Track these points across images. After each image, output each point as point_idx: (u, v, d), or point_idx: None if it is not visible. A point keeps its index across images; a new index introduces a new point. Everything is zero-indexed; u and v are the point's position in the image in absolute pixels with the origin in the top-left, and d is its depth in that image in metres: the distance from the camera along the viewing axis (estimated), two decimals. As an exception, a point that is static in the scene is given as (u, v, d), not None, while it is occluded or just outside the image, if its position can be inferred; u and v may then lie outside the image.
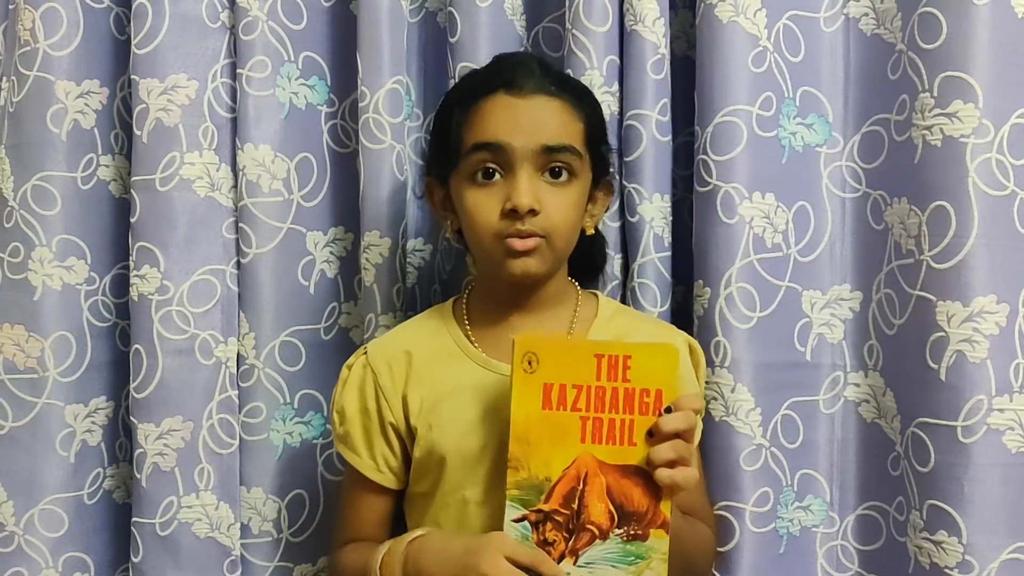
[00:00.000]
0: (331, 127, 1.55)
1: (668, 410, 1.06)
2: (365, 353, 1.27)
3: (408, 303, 1.50)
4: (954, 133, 1.25)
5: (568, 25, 1.41)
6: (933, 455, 1.27)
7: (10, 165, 1.49)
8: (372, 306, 1.46)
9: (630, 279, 1.42)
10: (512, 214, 1.14)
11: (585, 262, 1.35)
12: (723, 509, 1.35)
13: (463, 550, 1.07)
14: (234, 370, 1.49)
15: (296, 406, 1.51)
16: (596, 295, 1.32)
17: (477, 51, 1.45)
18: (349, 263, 1.55)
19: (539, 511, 1.06)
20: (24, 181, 1.48)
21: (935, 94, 1.26)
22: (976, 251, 1.24)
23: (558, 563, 1.05)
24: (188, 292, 1.47)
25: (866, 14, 1.40)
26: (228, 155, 1.49)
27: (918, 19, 1.29)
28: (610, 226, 1.42)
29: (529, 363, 1.06)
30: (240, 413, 1.49)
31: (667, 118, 1.42)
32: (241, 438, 1.49)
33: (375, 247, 1.45)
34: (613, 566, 1.07)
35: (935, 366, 1.26)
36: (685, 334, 1.32)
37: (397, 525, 1.30)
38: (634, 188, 1.41)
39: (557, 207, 1.16)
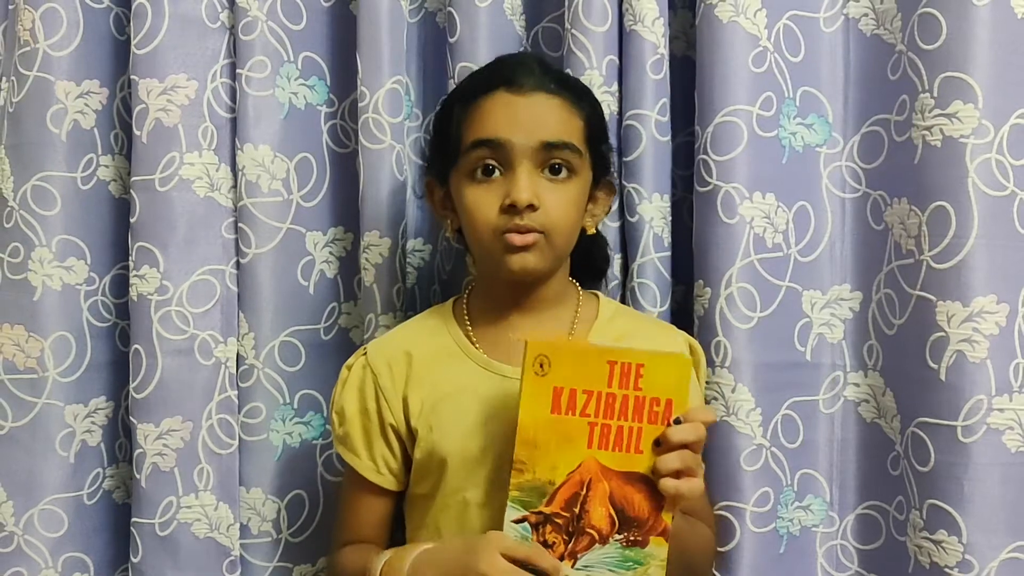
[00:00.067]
0: (331, 127, 1.55)
1: (677, 421, 1.05)
2: (365, 354, 1.27)
3: (408, 303, 1.50)
4: (954, 133, 1.25)
5: (567, 25, 1.41)
6: (933, 455, 1.27)
7: (10, 165, 1.49)
8: (372, 306, 1.45)
9: (630, 279, 1.42)
10: (511, 209, 1.14)
11: (588, 264, 1.35)
12: (723, 509, 1.35)
13: (462, 550, 1.07)
14: (234, 370, 1.49)
15: (296, 406, 1.51)
16: (597, 295, 1.32)
17: (476, 51, 1.45)
18: (349, 263, 1.54)
19: (540, 513, 1.06)
20: (24, 181, 1.48)
21: (935, 94, 1.26)
22: (976, 251, 1.24)
23: None
24: (187, 292, 1.47)
25: (866, 14, 1.40)
26: (228, 155, 1.49)
27: (918, 20, 1.29)
28: (610, 226, 1.42)
29: (541, 366, 1.05)
30: (240, 413, 1.48)
31: (666, 118, 1.42)
32: (240, 438, 1.49)
33: (375, 247, 1.45)
34: (611, 570, 1.07)
35: (935, 366, 1.26)
36: (685, 334, 1.32)
37: (397, 527, 1.30)
38: (633, 188, 1.41)
39: (556, 203, 1.16)
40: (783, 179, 1.38)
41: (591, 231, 1.26)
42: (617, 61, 1.41)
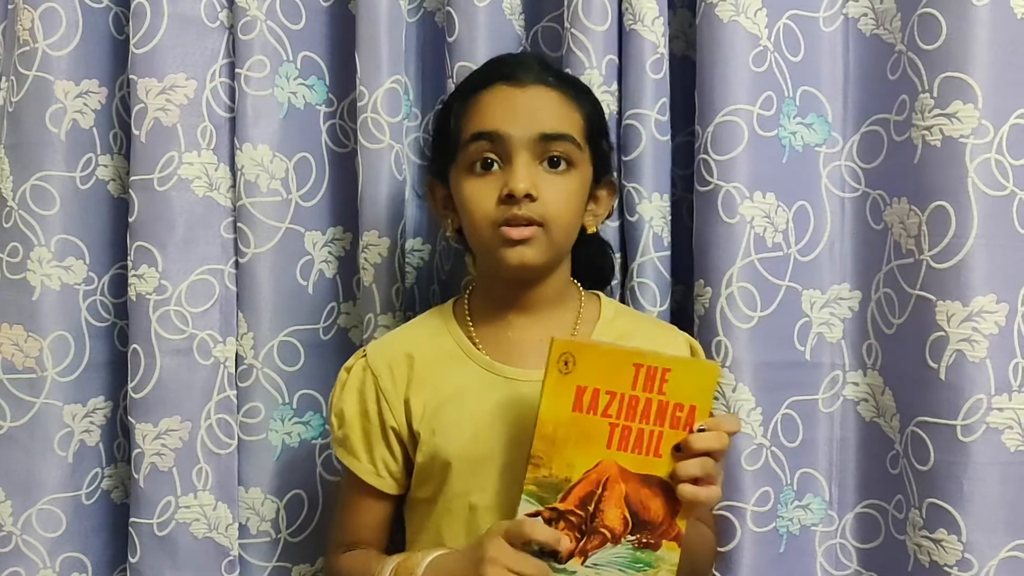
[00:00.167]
0: (329, 127, 1.55)
1: (702, 428, 1.05)
2: (364, 355, 1.26)
3: (407, 303, 1.50)
4: (954, 133, 1.25)
5: (567, 24, 1.41)
6: (933, 454, 1.27)
7: (9, 165, 1.49)
8: (371, 306, 1.45)
9: (629, 278, 1.42)
10: (509, 199, 1.14)
11: (592, 271, 1.35)
12: (724, 509, 1.35)
13: (471, 548, 1.07)
14: (232, 370, 1.49)
15: (295, 406, 1.51)
16: (598, 296, 1.31)
17: (475, 51, 1.45)
18: (348, 263, 1.54)
19: (554, 509, 1.05)
20: (23, 181, 1.48)
21: (935, 94, 1.26)
22: (975, 251, 1.24)
23: (566, 561, 1.05)
24: (186, 292, 1.47)
25: (865, 14, 1.40)
26: (226, 155, 1.49)
27: (918, 20, 1.29)
28: (609, 225, 1.42)
29: (565, 364, 1.05)
30: (238, 413, 1.48)
31: (666, 117, 1.42)
32: (239, 438, 1.48)
33: (374, 247, 1.45)
34: (621, 570, 1.06)
35: (935, 365, 1.27)
36: (686, 334, 1.32)
37: (396, 529, 1.30)
38: (633, 187, 1.41)
39: (555, 195, 1.16)
40: (783, 179, 1.38)
41: (591, 229, 1.26)
42: (617, 60, 1.41)
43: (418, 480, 1.23)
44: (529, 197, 1.13)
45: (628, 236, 1.43)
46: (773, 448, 1.38)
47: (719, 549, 1.35)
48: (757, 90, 1.36)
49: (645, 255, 1.41)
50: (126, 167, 1.51)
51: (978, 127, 1.24)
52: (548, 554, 1.04)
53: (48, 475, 1.50)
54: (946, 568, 1.26)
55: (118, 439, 1.58)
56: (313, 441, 1.53)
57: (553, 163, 1.17)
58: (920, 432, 1.29)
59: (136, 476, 1.46)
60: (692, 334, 1.35)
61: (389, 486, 1.25)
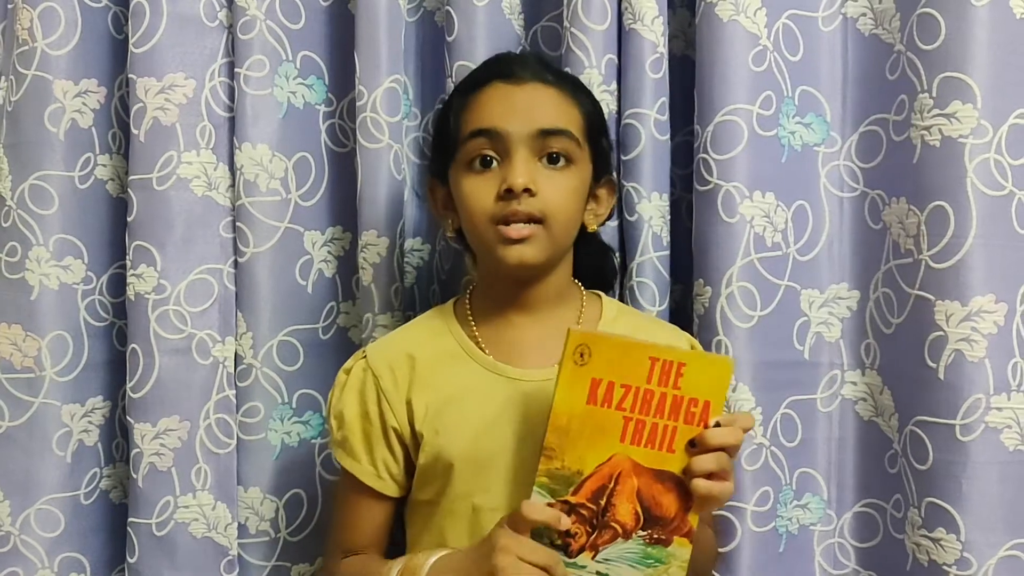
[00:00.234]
0: (329, 126, 1.55)
1: (717, 424, 1.05)
2: (364, 357, 1.25)
3: (407, 303, 1.50)
4: (953, 133, 1.25)
5: (566, 23, 1.41)
6: (932, 453, 1.27)
7: (8, 164, 1.49)
8: (370, 306, 1.45)
9: (628, 278, 1.42)
10: (508, 195, 1.13)
11: (593, 270, 1.34)
12: (724, 509, 1.35)
13: (479, 543, 1.07)
14: (232, 370, 1.48)
15: (294, 406, 1.51)
16: (599, 296, 1.31)
17: (475, 50, 1.44)
18: (347, 262, 1.54)
19: (565, 502, 1.05)
20: (22, 180, 1.48)
21: (934, 95, 1.27)
22: (974, 251, 1.25)
23: (576, 555, 1.05)
24: (185, 291, 1.47)
25: (864, 14, 1.41)
26: (225, 154, 1.49)
27: (917, 20, 1.29)
28: (608, 225, 1.41)
29: (581, 355, 1.04)
30: (238, 413, 1.48)
31: (665, 117, 1.42)
32: (239, 438, 1.48)
33: (372, 247, 1.45)
34: (631, 566, 1.06)
35: (934, 365, 1.27)
36: (688, 335, 1.31)
37: (396, 533, 1.30)
38: (632, 187, 1.41)
39: (554, 190, 1.15)
40: (782, 178, 1.38)
41: (592, 228, 1.26)
42: (616, 60, 1.41)
43: (420, 482, 1.22)
44: (528, 192, 1.13)
45: (627, 236, 1.43)
46: (773, 448, 1.38)
47: (719, 550, 1.35)
48: (757, 89, 1.36)
49: (644, 255, 1.41)
50: (125, 166, 1.51)
51: (977, 127, 1.24)
52: (558, 548, 1.04)
53: (46, 475, 1.49)
54: (945, 567, 1.26)
55: (117, 439, 1.58)
56: (312, 440, 1.52)
57: (552, 159, 1.17)
58: (919, 431, 1.29)
59: (135, 476, 1.46)
60: (691, 334, 1.35)
61: (390, 488, 1.24)
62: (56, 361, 1.49)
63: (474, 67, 1.34)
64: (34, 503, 1.49)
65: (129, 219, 1.47)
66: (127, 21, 1.47)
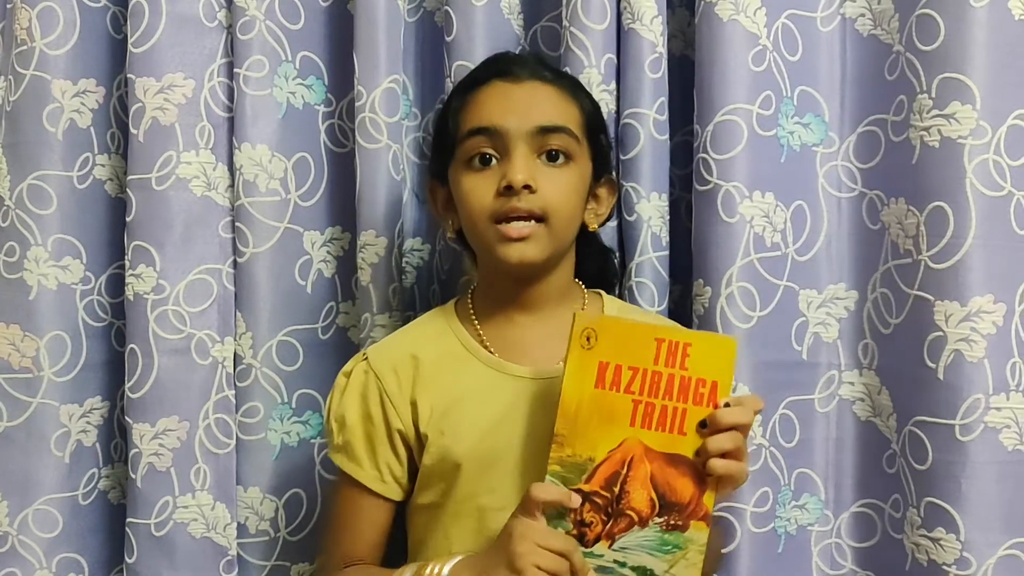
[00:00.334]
0: (328, 127, 1.55)
1: (727, 404, 1.05)
2: (365, 359, 1.24)
3: (406, 303, 1.50)
4: (952, 134, 1.26)
5: (566, 23, 1.41)
6: (931, 453, 1.28)
7: (6, 164, 1.49)
8: (368, 306, 1.45)
9: (627, 278, 1.42)
10: (507, 191, 1.13)
11: (593, 270, 1.34)
12: (724, 510, 1.35)
13: (495, 542, 1.06)
14: (231, 370, 1.48)
15: (294, 406, 1.50)
16: (600, 294, 1.31)
17: (474, 50, 1.44)
18: (346, 262, 1.54)
19: (579, 491, 1.04)
20: (20, 180, 1.48)
21: (933, 95, 1.27)
22: (974, 251, 1.25)
23: (593, 544, 1.04)
24: (184, 291, 1.46)
25: (862, 15, 1.41)
26: (225, 154, 1.49)
27: (916, 20, 1.30)
28: (607, 225, 1.41)
29: (588, 339, 1.04)
30: (237, 413, 1.48)
31: (664, 117, 1.42)
32: (238, 438, 1.48)
33: (371, 247, 1.45)
34: (649, 553, 1.05)
35: (933, 365, 1.27)
36: (689, 333, 1.31)
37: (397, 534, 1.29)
38: (632, 187, 1.41)
39: (554, 187, 1.15)
40: (782, 178, 1.38)
41: (592, 227, 1.26)
42: (615, 59, 1.41)
43: (423, 484, 1.21)
44: (528, 188, 1.13)
45: (626, 236, 1.43)
46: (772, 448, 1.38)
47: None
48: (756, 89, 1.36)
49: (643, 255, 1.41)
50: (123, 166, 1.51)
51: (976, 128, 1.25)
52: (574, 538, 1.04)
53: (45, 475, 1.49)
54: (944, 567, 1.26)
55: (115, 439, 1.57)
56: (312, 440, 1.52)
57: (551, 156, 1.17)
58: (918, 432, 1.29)
59: (133, 476, 1.46)
60: (691, 334, 1.35)
61: (393, 492, 1.23)
62: (54, 361, 1.49)
63: (473, 67, 1.34)
64: (32, 503, 1.48)
65: (128, 219, 1.46)
66: (126, 21, 1.47)
